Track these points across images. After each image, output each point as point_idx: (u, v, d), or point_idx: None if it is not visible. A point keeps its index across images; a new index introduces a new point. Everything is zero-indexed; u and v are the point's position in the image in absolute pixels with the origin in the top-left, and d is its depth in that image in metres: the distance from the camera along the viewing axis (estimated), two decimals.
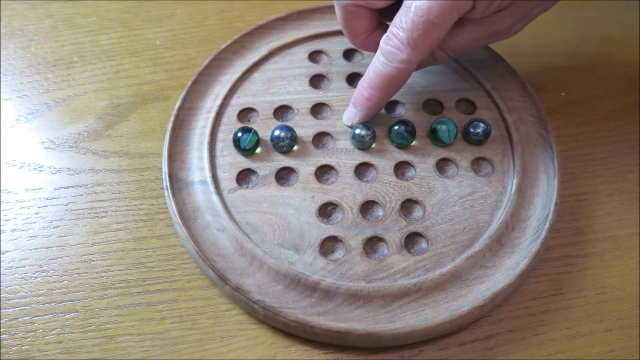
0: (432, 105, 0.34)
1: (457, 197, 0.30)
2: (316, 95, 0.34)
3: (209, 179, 0.30)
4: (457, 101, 0.34)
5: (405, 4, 0.27)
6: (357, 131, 0.31)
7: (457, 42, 0.30)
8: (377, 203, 0.30)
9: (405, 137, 0.31)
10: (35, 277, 0.29)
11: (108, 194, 0.32)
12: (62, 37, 0.38)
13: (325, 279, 0.27)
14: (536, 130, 0.33)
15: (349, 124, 0.32)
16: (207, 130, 0.32)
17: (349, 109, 0.32)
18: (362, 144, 0.31)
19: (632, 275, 0.30)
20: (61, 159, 0.33)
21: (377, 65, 0.29)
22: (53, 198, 0.32)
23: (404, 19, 0.27)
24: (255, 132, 0.31)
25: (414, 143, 0.31)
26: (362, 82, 0.30)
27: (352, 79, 0.35)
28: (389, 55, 0.28)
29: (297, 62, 0.35)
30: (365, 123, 0.31)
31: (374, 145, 0.31)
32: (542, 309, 0.29)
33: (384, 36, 0.29)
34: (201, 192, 0.30)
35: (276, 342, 0.28)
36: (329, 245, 0.29)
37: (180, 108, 0.33)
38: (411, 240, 0.29)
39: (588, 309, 0.29)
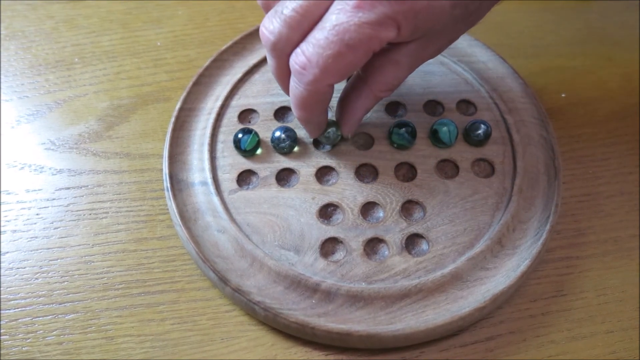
0: (433, 107, 0.34)
1: (457, 198, 0.30)
2: None
3: (210, 180, 0.30)
4: (457, 102, 0.34)
5: (323, 18, 0.24)
6: (329, 130, 0.30)
7: (396, 76, 0.28)
8: (378, 204, 0.30)
9: (406, 138, 0.31)
10: (36, 278, 0.29)
11: (108, 195, 0.32)
12: (63, 38, 0.38)
13: (326, 280, 0.27)
14: (537, 132, 0.33)
15: (311, 138, 0.31)
16: (208, 131, 0.32)
17: None
18: (329, 140, 0.31)
19: (633, 277, 0.30)
20: (62, 160, 0.33)
21: (291, 84, 0.27)
22: (54, 199, 0.32)
23: (317, 35, 0.24)
24: (256, 133, 0.31)
25: (414, 144, 0.31)
26: (290, 101, 0.28)
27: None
28: (297, 74, 0.25)
29: None
30: (332, 120, 0.31)
31: (373, 146, 0.31)
32: (542, 311, 0.29)
33: (294, 51, 0.25)
34: (202, 193, 0.30)
35: (276, 343, 0.27)
36: (329, 246, 0.29)
37: (180, 109, 0.33)
38: (412, 241, 0.29)
39: (589, 310, 0.29)
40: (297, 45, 0.25)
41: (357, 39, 0.24)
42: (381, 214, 0.29)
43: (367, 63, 0.27)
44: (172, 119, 0.32)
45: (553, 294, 0.29)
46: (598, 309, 0.29)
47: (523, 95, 0.34)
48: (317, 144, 0.32)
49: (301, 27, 0.25)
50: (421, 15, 0.24)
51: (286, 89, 0.29)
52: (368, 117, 0.33)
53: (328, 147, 0.32)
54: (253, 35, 0.36)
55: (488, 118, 0.33)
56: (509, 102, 0.34)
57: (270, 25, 0.26)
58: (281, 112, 0.33)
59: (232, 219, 0.29)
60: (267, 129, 0.32)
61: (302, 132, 0.32)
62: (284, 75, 0.28)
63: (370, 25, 0.24)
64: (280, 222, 0.29)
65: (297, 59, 0.25)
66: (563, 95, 0.36)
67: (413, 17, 0.24)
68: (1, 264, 0.29)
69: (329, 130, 0.30)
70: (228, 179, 0.30)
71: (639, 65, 0.38)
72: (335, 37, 0.24)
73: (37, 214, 0.31)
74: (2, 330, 0.28)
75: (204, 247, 0.28)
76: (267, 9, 0.27)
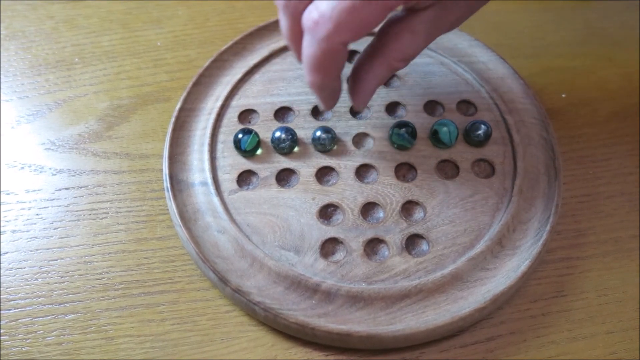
0: (433, 107, 0.34)
1: (457, 198, 0.30)
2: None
3: (210, 181, 0.30)
4: (457, 103, 0.34)
5: None
6: (317, 134, 0.31)
7: (412, 46, 0.27)
8: (378, 205, 0.30)
9: (406, 138, 0.31)
10: (36, 279, 0.29)
11: (108, 195, 0.32)
12: (63, 38, 0.38)
13: (326, 280, 0.27)
14: (537, 132, 0.33)
15: (322, 110, 0.30)
16: (208, 131, 0.32)
17: None
18: (322, 147, 0.31)
19: (634, 278, 0.30)
20: (62, 160, 0.33)
21: (304, 44, 0.25)
22: (53, 199, 0.32)
23: None
24: (256, 134, 0.31)
25: (414, 144, 0.31)
26: (303, 66, 0.27)
27: None
28: (309, 30, 0.24)
29: (297, 64, 0.35)
30: (326, 126, 0.31)
31: (373, 147, 0.31)
32: (543, 311, 0.29)
33: (307, 8, 0.24)
34: (202, 193, 0.30)
35: (276, 344, 0.27)
36: (329, 246, 0.29)
37: (181, 109, 0.33)
38: (412, 242, 0.29)
39: (589, 311, 0.29)
40: (310, 2, 0.24)
41: None
42: (381, 215, 0.29)
43: (383, 31, 0.27)
44: (172, 119, 0.32)
45: (553, 295, 0.29)
46: (598, 310, 0.29)
47: (523, 96, 0.34)
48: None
49: None
50: None
51: (298, 52, 0.27)
52: (368, 117, 0.33)
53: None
54: (253, 36, 0.36)
55: (488, 118, 0.33)
56: (509, 103, 0.34)
57: None
58: (281, 113, 0.33)
59: (232, 220, 0.29)
60: (267, 129, 0.32)
61: (302, 133, 0.32)
62: (296, 37, 0.26)
63: None
64: (280, 222, 0.29)
65: (310, 14, 0.24)
66: (563, 95, 0.36)
67: None
68: (1, 264, 0.29)
69: (324, 136, 0.30)
70: (228, 179, 0.30)
71: (639, 65, 0.38)
72: None
73: (37, 214, 0.31)
74: (1, 331, 0.27)
75: (204, 248, 0.28)
76: None
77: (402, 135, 0.31)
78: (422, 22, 0.26)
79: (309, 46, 0.25)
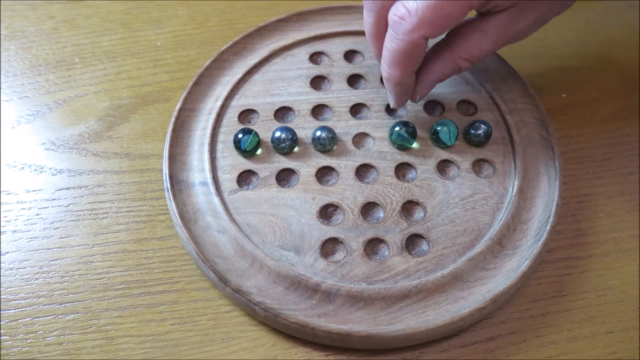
0: (433, 107, 0.34)
1: (458, 198, 0.30)
2: (317, 97, 0.34)
3: (210, 181, 0.30)
4: (458, 102, 0.34)
5: None
6: (318, 134, 0.31)
7: (480, 46, 0.28)
8: (378, 204, 0.30)
9: (405, 138, 0.31)
10: (36, 279, 0.29)
11: (109, 195, 0.32)
12: (63, 38, 0.38)
13: (326, 280, 0.27)
14: (537, 132, 0.33)
15: (393, 107, 0.31)
16: (208, 131, 0.32)
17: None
18: (323, 147, 0.31)
19: (634, 277, 0.30)
20: (62, 160, 0.33)
21: (387, 40, 0.27)
22: (54, 199, 0.32)
23: None
24: (256, 134, 0.31)
25: (414, 144, 0.31)
26: (381, 62, 0.29)
27: (353, 80, 0.35)
28: (395, 25, 0.26)
29: (297, 64, 0.35)
30: (326, 126, 0.31)
31: (373, 146, 0.31)
32: (543, 311, 0.29)
33: (393, 5, 0.26)
34: (202, 193, 0.30)
35: (277, 343, 0.27)
36: (329, 246, 0.29)
37: (181, 109, 0.33)
38: (412, 241, 0.29)
39: (589, 311, 0.29)
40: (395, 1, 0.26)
41: None
42: (381, 215, 0.29)
43: (454, 29, 0.28)
44: (172, 119, 0.32)
45: (553, 295, 0.29)
46: (598, 310, 0.29)
47: (523, 96, 0.34)
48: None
49: None
50: None
51: (378, 49, 0.29)
52: (368, 117, 0.33)
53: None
54: (253, 36, 0.36)
55: (488, 118, 0.33)
56: (510, 103, 0.34)
57: None
58: (281, 112, 0.33)
59: (232, 220, 0.29)
60: (267, 129, 0.32)
61: (302, 133, 0.32)
62: (378, 33, 0.28)
63: None
64: (280, 222, 0.29)
65: (397, 10, 0.26)
66: (564, 95, 0.36)
67: None
68: (1, 264, 0.29)
69: (324, 136, 0.30)
70: (228, 179, 0.30)
71: (639, 65, 0.38)
72: None
73: (38, 214, 0.31)
74: (2, 331, 0.27)
75: (204, 248, 0.28)
76: None
77: (402, 135, 0.31)
78: (493, 25, 0.28)
79: (392, 40, 0.27)
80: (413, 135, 0.31)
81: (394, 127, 0.31)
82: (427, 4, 0.25)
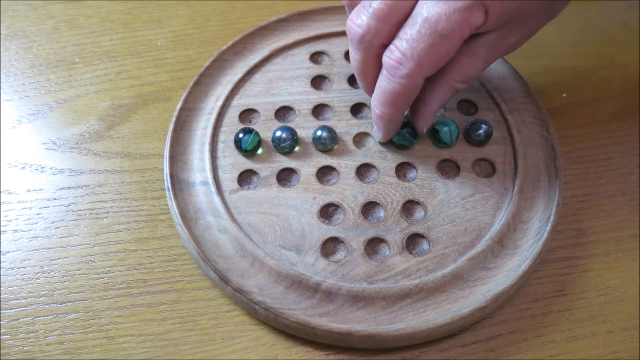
0: None
1: (458, 198, 0.30)
2: (317, 97, 0.34)
3: (210, 180, 0.30)
4: (458, 102, 0.34)
5: (412, 14, 0.26)
6: (318, 133, 0.31)
7: (472, 68, 0.28)
8: (379, 204, 0.30)
9: (407, 138, 0.31)
10: (37, 278, 0.29)
11: (109, 194, 0.32)
12: (63, 38, 0.38)
13: (327, 280, 0.27)
14: (538, 132, 0.33)
15: (378, 140, 0.31)
16: (209, 131, 0.32)
17: (374, 125, 0.31)
18: (323, 147, 0.31)
19: (634, 277, 0.30)
20: (63, 159, 0.33)
21: (381, 80, 0.27)
22: (54, 199, 0.32)
23: (409, 30, 0.25)
24: (257, 133, 0.31)
25: (415, 144, 0.31)
26: (373, 99, 0.29)
27: (354, 80, 0.34)
28: (391, 69, 0.26)
29: (298, 63, 0.35)
30: (326, 126, 0.31)
31: (373, 146, 0.31)
32: (543, 311, 0.29)
33: (387, 49, 0.26)
34: (202, 193, 0.30)
35: (277, 343, 0.27)
36: (330, 246, 0.29)
37: (181, 109, 0.33)
38: (412, 241, 0.29)
39: (590, 310, 0.29)
40: (386, 37, 0.26)
41: (449, 28, 0.24)
42: (382, 214, 0.29)
43: None
44: (173, 119, 0.32)
45: (554, 294, 0.29)
46: (599, 309, 0.29)
47: (524, 95, 0.34)
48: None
49: (390, 20, 0.26)
50: None
51: (367, 84, 0.29)
52: (369, 117, 0.33)
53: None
54: (254, 35, 0.36)
55: (489, 118, 0.33)
56: (510, 102, 0.34)
57: (358, 19, 0.27)
58: (282, 112, 0.33)
59: (233, 219, 0.29)
60: (268, 128, 0.32)
61: (303, 132, 0.32)
62: (367, 71, 0.28)
63: (460, 11, 0.24)
64: (281, 222, 0.29)
65: (392, 54, 0.26)
66: (564, 95, 0.36)
67: (501, 0, 0.25)
68: (2, 264, 0.29)
69: (324, 135, 0.30)
70: (229, 178, 0.30)
71: (639, 65, 0.38)
72: (428, 30, 0.25)
73: (38, 214, 0.31)
74: (3, 330, 0.28)
75: (205, 247, 0.28)
76: (351, 7, 0.28)
77: (403, 135, 0.31)
78: (482, 45, 0.27)
79: (387, 82, 0.27)
80: (414, 135, 0.31)
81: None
82: (422, 48, 0.25)
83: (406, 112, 0.33)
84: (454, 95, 0.30)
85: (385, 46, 0.27)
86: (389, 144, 0.32)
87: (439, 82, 0.28)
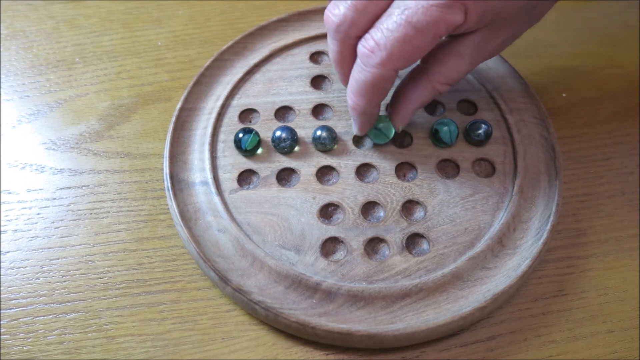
0: (434, 106, 0.34)
1: (458, 198, 0.30)
2: (317, 96, 0.34)
3: (210, 180, 0.30)
4: (458, 102, 0.34)
5: (391, 5, 0.26)
6: (318, 133, 0.31)
7: (457, 69, 0.28)
8: (378, 204, 0.30)
9: (383, 133, 0.30)
10: (37, 278, 0.29)
11: (109, 194, 0.32)
12: (63, 38, 0.38)
13: (327, 280, 0.27)
14: (538, 132, 0.33)
15: (355, 133, 0.31)
16: (209, 131, 0.32)
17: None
18: (323, 146, 0.31)
19: (634, 277, 0.30)
20: (63, 159, 0.33)
21: (354, 70, 0.27)
22: (54, 199, 0.32)
23: (385, 21, 0.25)
24: (257, 133, 0.31)
25: (391, 138, 0.31)
26: (347, 90, 0.28)
27: None
28: (364, 57, 0.26)
29: (298, 63, 0.35)
30: (326, 126, 0.31)
31: (373, 146, 0.31)
32: (543, 310, 0.29)
33: (363, 38, 0.26)
34: (202, 193, 0.30)
35: (277, 343, 0.27)
36: (330, 246, 0.29)
37: (181, 109, 0.33)
38: (412, 241, 0.29)
39: (590, 310, 0.29)
40: (362, 29, 0.26)
41: (425, 22, 0.24)
42: (382, 214, 0.29)
43: (429, 55, 0.28)
44: (173, 119, 0.32)
45: (554, 294, 0.29)
46: (599, 309, 0.29)
47: (524, 95, 0.34)
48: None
49: (367, 11, 0.26)
50: None
51: (343, 76, 0.29)
52: None
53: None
54: (254, 35, 0.36)
55: (489, 118, 0.33)
56: (510, 102, 0.34)
57: (336, 9, 0.27)
58: (282, 112, 0.33)
59: (233, 219, 0.29)
60: (267, 128, 0.32)
61: (302, 132, 0.32)
62: (343, 61, 0.28)
63: (438, 7, 0.24)
64: (280, 221, 0.29)
65: (366, 43, 0.26)
66: (564, 95, 0.36)
67: (482, 0, 0.25)
68: (2, 264, 0.29)
69: (324, 135, 0.30)
70: (229, 178, 0.30)
71: (639, 65, 0.38)
72: (404, 21, 0.24)
73: (38, 214, 0.31)
74: (3, 330, 0.28)
75: (205, 247, 0.28)
76: None
77: (380, 130, 0.30)
78: (467, 47, 0.27)
79: (360, 72, 0.27)
80: (388, 129, 0.31)
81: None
82: (395, 37, 0.25)
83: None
84: (436, 97, 0.30)
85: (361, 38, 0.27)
86: (389, 143, 0.31)
87: (422, 81, 0.28)
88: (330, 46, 0.28)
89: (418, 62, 0.29)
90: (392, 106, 0.30)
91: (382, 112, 0.32)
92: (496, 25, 0.27)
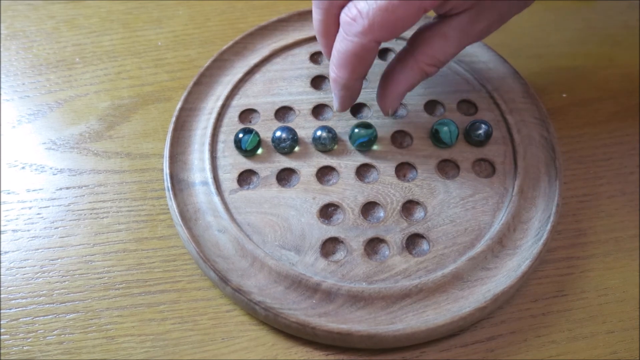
0: (434, 107, 0.34)
1: (458, 198, 0.30)
2: (317, 97, 0.34)
3: (210, 180, 0.30)
4: (458, 102, 0.34)
5: None
6: (318, 133, 0.31)
7: (443, 51, 0.28)
8: (378, 204, 0.30)
9: (364, 136, 0.30)
10: (37, 278, 0.29)
11: (109, 194, 0.32)
12: (63, 38, 0.38)
13: (326, 280, 0.27)
14: (538, 132, 0.33)
15: (335, 111, 0.31)
16: (209, 131, 0.32)
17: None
18: (323, 147, 0.31)
19: (634, 277, 0.30)
20: (63, 159, 0.33)
21: (337, 41, 0.27)
22: (54, 199, 0.32)
23: None
24: (257, 133, 0.31)
25: (377, 140, 0.31)
26: (330, 62, 0.28)
27: None
28: (346, 26, 0.26)
29: (298, 63, 0.35)
30: (326, 126, 0.31)
31: (374, 147, 0.31)
32: (543, 311, 0.29)
33: (346, 6, 0.26)
34: (202, 193, 0.30)
35: (277, 343, 0.27)
36: (330, 246, 0.29)
37: (181, 109, 0.33)
38: (412, 241, 0.29)
39: (590, 310, 0.29)
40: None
41: None
42: (382, 214, 0.29)
43: (415, 36, 0.28)
44: (173, 119, 0.32)
45: (554, 294, 0.29)
46: (599, 309, 0.29)
47: (524, 96, 0.34)
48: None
49: None
50: None
51: (327, 47, 0.29)
52: (368, 117, 0.33)
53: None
54: (254, 35, 0.36)
55: (489, 118, 0.33)
56: (510, 102, 0.34)
57: None
58: (282, 112, 0.33)
59: (233, 219, 0.29)
60: (267, 128, 0.32)
61: (302, 132, 0.32)
62: (327, 32, 0.28)
63: None
64: (280, 222, 0.29)
65: (349, 11, 0.25)
66: (564, 95, 0.36)
67: None
68: (2, 264, 0.29)
69: (324, 135, 0.30)
70: (229, 178, 0.30)
71: (639, 65, 0.38)
72: None
73: (38, 214, 0.31)
74: (2, 330, 0.28)
75: (205, 247, 0.28)
76: None
77: (359, 131, 0.30)
78: (454, 28, 0.27)
79: (342, 41, 0.26)
80: (367, 126, 0.30)
81: (354, 127, 0.31)
82: (378, 5, 0.24)
83: (404, 114, 0.33)
84: (424, 80, 0.29)
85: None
86: (389, 144, 0.31)
87: (409, 62, 0.28)
88: (314, 16, 0.28)
89: (404, 44, 0.29)
90: (380, 90, 0.30)
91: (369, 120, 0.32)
92: (482, 7, 0.27)
